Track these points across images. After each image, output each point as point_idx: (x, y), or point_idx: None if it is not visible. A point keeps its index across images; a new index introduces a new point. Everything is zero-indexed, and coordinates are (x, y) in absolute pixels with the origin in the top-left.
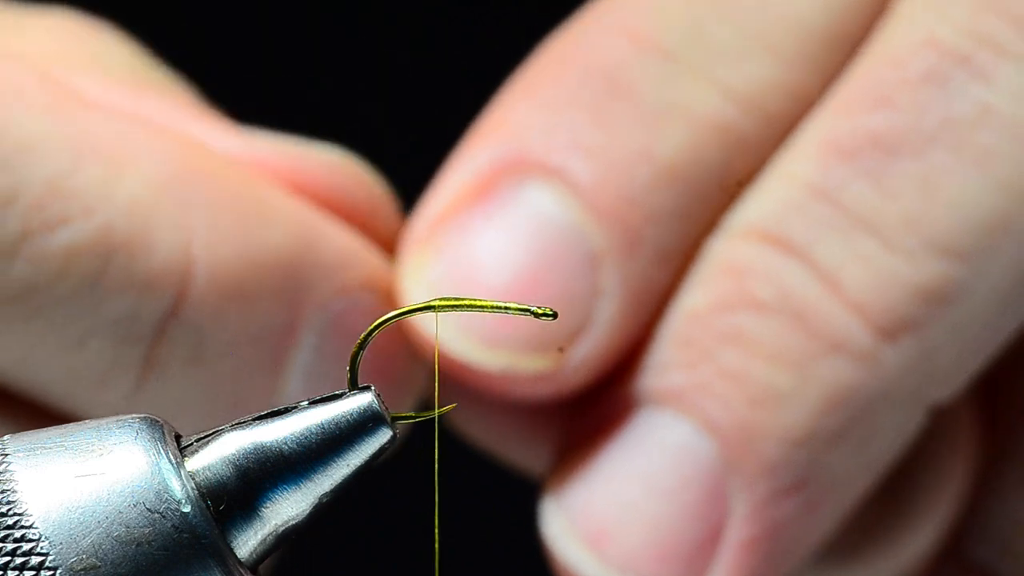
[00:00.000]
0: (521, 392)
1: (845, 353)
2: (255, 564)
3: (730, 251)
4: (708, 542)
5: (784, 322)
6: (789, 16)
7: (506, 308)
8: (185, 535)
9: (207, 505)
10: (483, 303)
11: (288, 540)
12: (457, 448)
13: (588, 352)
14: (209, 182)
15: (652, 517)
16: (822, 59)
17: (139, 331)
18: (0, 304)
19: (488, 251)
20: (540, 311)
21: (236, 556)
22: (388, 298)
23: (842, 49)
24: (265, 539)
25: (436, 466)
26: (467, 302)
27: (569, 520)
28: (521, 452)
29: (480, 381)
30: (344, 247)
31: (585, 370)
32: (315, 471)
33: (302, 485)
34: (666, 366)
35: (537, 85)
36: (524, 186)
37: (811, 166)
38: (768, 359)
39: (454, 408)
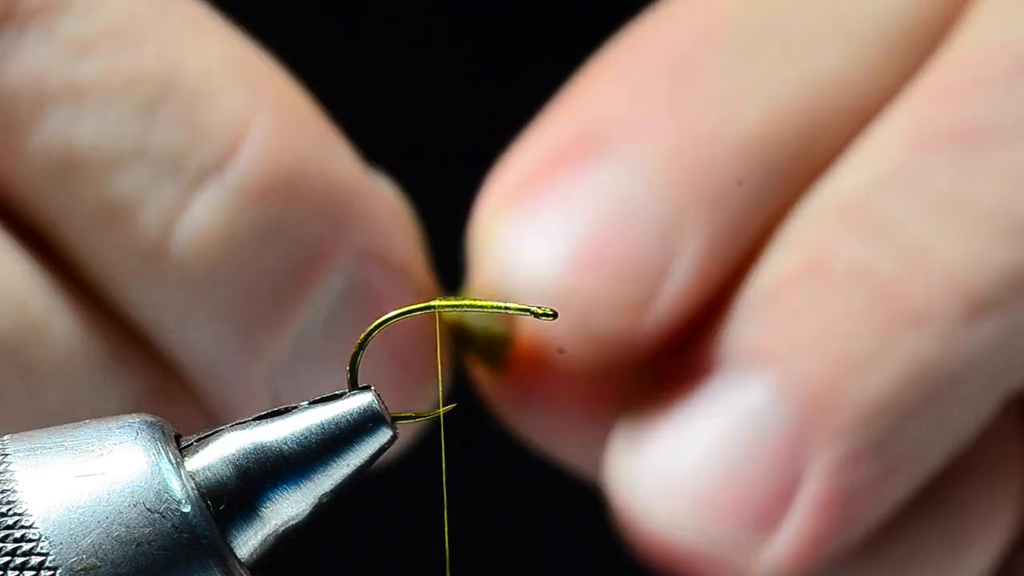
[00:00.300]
0: (594, 356)
1: (929, 327)
2: (255, 564)
3: (815, 225)
4: (782, 496)
5: (868, 293)
6: (866, 8)
7: (506, 308)
8: (185, 535)
9: (207, 505)
10: (483, 303)
11: (288, 540)
12: (458, 451)
13: (664, 310)
14: (283, 89)
15: (729, 466)
16: (898, 52)
17: (181, 170)
18: (56, 92)
19: (565, 215)
20: (540, 311)
21: (236, 556)
22: (417, 292)
23: (919, 44)
24: (265, 539)
25: (444, 465)
26: (467, 302)
27: (641, 467)
28: (581, 455)
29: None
30: (393, 220)
31: (663, 327)
32: (315, 471)
33: (302, 485)
34: (748, 328)
35: (616, 64)
36: (600, 156)
37: (898, 152)
38: (852, 328)
39: (454, 408)
